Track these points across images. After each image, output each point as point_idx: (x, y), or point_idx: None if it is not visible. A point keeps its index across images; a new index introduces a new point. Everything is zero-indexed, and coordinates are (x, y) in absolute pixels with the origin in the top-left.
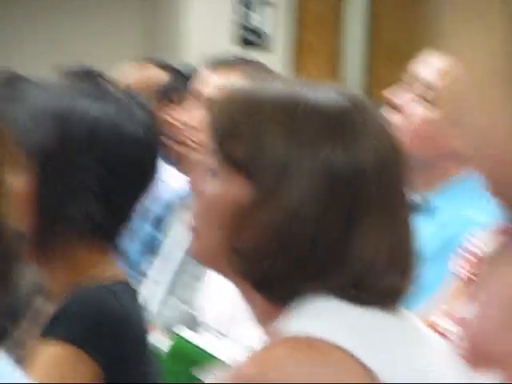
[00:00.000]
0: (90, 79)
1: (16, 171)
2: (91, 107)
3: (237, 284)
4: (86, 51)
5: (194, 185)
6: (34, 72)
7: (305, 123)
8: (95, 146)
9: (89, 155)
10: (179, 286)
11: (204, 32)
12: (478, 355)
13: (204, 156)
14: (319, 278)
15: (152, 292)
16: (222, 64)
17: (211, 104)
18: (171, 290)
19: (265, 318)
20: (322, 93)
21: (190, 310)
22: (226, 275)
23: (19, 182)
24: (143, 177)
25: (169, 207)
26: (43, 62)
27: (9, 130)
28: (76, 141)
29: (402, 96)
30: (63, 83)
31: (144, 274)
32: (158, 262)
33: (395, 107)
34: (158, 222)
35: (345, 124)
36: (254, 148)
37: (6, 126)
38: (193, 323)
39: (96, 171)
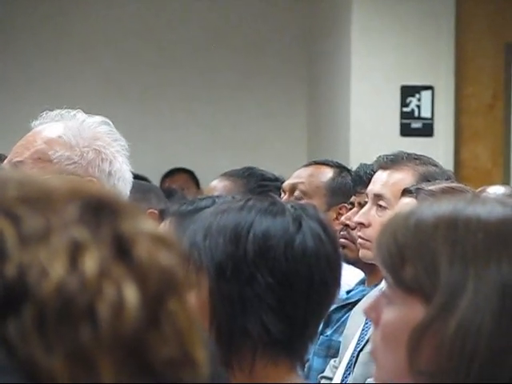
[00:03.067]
0: (251, 176)
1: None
2: (262, 221)
3: None
4: (253, 148)
5: (369, 313)
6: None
7: (467, 237)
8: (267, 259)
9: (260, 269)
10: None
11: (370, 121)
12: None
13: (371, 253)
14: None
15: None
16: (390, 162)
17: (377, 236)
18: None
19: None
20: (483, 205)
21: None
22: None
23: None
24: (319, 290)
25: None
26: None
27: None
28: (247, 255)
29: None
30: (235, 198)
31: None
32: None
33: None
34: (333, 323)
35: (508, 234)
36: (423, 269)
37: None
38: None
39: (269, 284)
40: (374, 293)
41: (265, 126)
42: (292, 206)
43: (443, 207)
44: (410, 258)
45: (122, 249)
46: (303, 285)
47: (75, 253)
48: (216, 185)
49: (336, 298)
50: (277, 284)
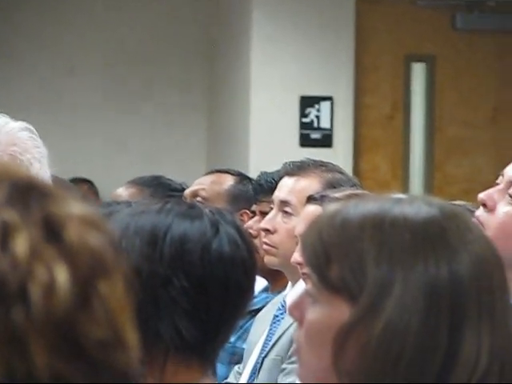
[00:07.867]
0: (159, 185)
1: None
2: (180, 224)
3: None
4: (153, 157)
5: (293, 311)
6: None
7: (394, 237)
8: (183, 263)
9: (176, 272)
10: None
11: (269, 131)
12: None
13: (277, 259)
14: None
15: None
16: (296, 168)
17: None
18: None
19: None
20: (410, 205)
21: None
22: None
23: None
24: (234, 295)
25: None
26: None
27: None
28: (164, 258)
29: (492, 195)
30: (151, 201)
31: None
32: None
33: (484, 205)
34: (237, 330)
35: (434, 234)
36: (348, 269)
37: None
38: None
39: (184, 288)
40: (278, 299)
41: (164, 135)
42: (210, 211)
43: (369, 206)
44: (336, 257)
45: (52, 231)
46: (218, 290)
47: (5, 234)
48: (122, 192)
49: (250, 304)
50: (192, 288)
